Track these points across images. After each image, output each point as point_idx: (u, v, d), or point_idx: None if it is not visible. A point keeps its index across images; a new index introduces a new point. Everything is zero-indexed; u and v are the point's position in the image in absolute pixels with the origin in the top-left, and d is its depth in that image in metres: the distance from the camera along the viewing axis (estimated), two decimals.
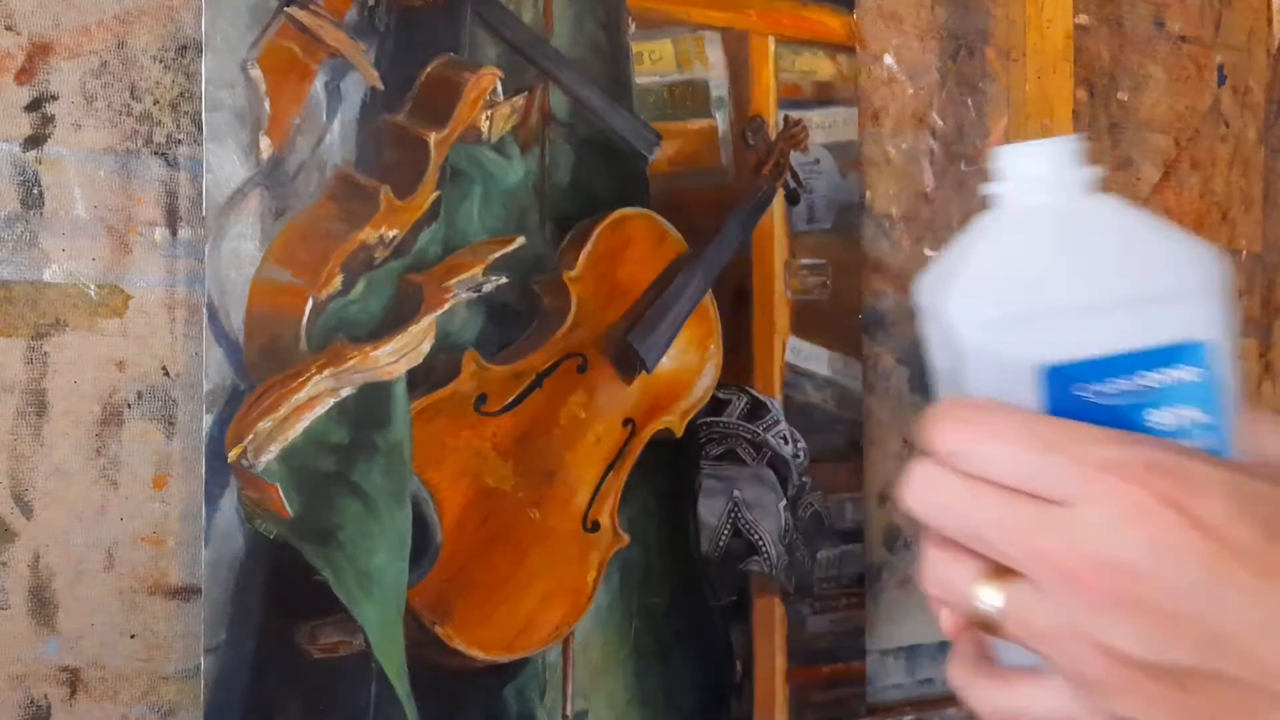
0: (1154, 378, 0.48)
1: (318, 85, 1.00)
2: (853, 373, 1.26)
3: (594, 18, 1.12)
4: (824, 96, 1.25)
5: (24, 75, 0.93)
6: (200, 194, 0.97)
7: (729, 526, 1.18)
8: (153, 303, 0.97)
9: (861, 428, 1.28)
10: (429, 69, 1.04)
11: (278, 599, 0.97)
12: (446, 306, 1.03)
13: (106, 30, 0.96)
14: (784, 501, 1.21)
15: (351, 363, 0.99)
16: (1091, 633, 0.44)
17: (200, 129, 0.97)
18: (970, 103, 1.39)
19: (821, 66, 1.25)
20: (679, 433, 1.14)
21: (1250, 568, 0.42)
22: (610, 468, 1.11)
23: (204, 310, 0.96)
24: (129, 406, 0.96)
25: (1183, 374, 0.48)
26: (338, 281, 0.99)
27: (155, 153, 0.98)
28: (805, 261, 1.23)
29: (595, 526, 1.10)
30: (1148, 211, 0.53)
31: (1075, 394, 0.48)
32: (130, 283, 0.96)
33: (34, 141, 0.94)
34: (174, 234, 0.98)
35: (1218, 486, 0.43)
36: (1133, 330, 0.48)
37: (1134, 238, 0.50)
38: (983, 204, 0.56)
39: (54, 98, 0.94)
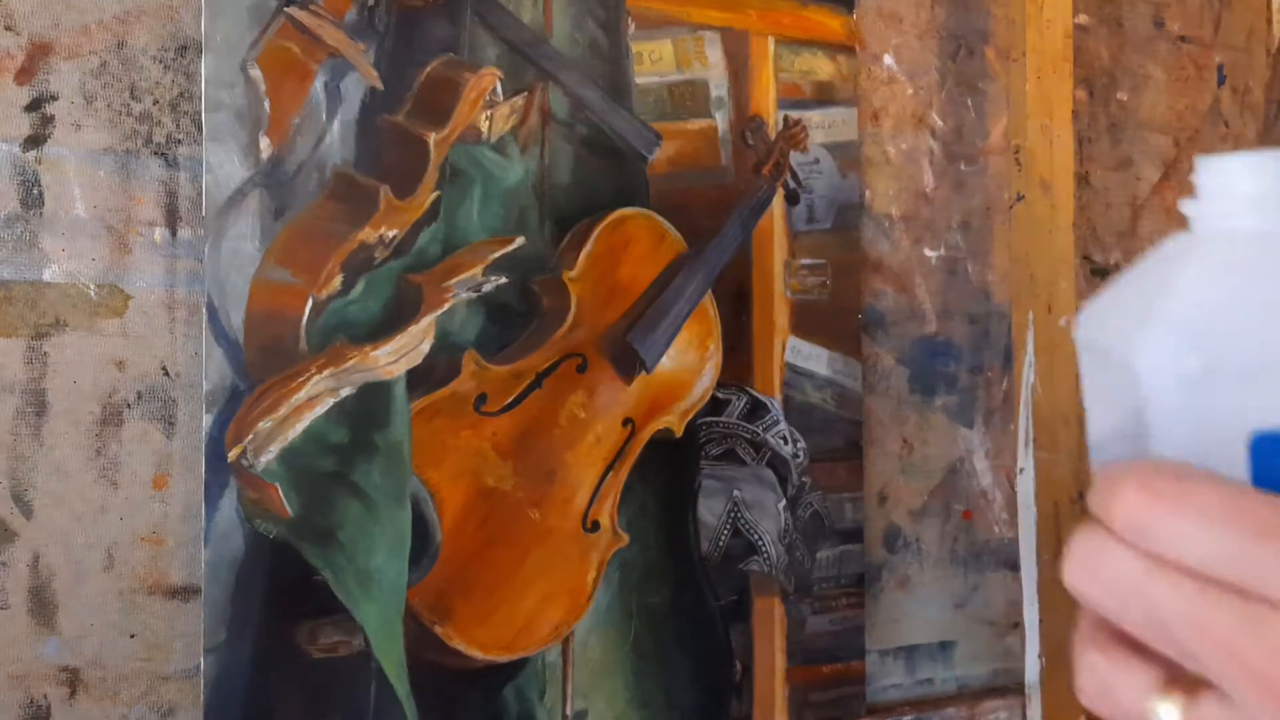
0: None
1: (317, 85, 1.00)
2: (852, 373, 1.26)
3: (594, 18, 1.12)
4: (824, 96, 1.25)
5: (24, 75, 0.93)
6: (200, 194, 0.97)
7: (729, 526, 1.18)
8: (153, 303, 0.97)
9: (861, 428, 1.28)
10: (429, 69, 1.04)
11: (278, 599, 0.97)
12: (446, 306, 1.03)
13: (106, 30, 0.96)
14: (784, 501, 1.21)
15: (351, 363, 0.99)
16: None
17: (200, 129, 0.97)
18: (970, 103, 1.39)
19: (821, 66, 1.25)
20: (679, 433, 1.14)
21: None
22: (610, 468, 1.11)
23: (204, 310, 0.96)
24: (129, 406, 0.96)
25: None
26: (338, 281, 0.99)
27: (155, 153, 0.98)
28: (805, 261, 1.23)
29: (595, 526, 1.10)
30: None
31: None
32: (130, 283, 0.96)
33: (34, 141, 0.94)
34: (174, 234, 0.98)
35: None
36: None
37: None
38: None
39: (54, 98, 0.94)
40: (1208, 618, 0.37)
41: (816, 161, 1.24)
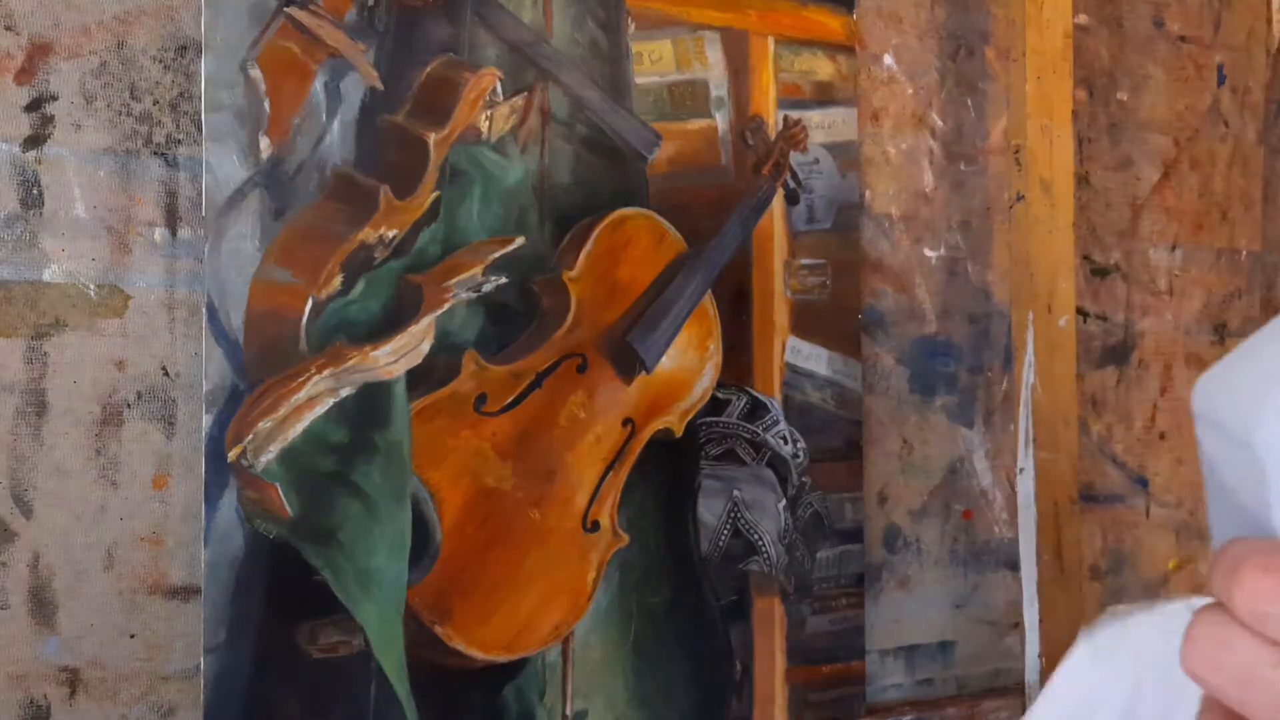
0: None
1: (317, 85, 1.00)
2: (852, 373, 1.26)
3: (594, 18, 1.12)
4: (824, 96, 1.25)
5: (24, 75, 0.93)
6: (200, 194, 0.97)
7: (729, 526, 1.18)
8: (152, 303, 0.97)
9: (861, 428, 1.28)
10: (429, 69, 1.04)
11: (278, 599, 0.97)
12: (446, 306, 1.03)
13: (106, 30, 0.96)
14: (784, 501, 1.21)
15: (351, 363, 0.99)
16: None
17: (200, 129, 0.97)
18: (970, 103, 1.39)
19: (821, 66, 1.25)
20: (678, 433, 1.14)
21: None
22: (610, 468, 1.11)
23: (204, 310, 0.96)
24: (129, 406, 0.96)
25: None
26: (337, 281, 0.99)
27: (155, 153, 0.98)
28: (805, 261, 1.23)
29: (595, 526, 1.10)
30: None
31: None
32: (130, 283, 0.96)
33: (34, 141, 0.94)
34: (174, 234, 0.98)
35: None
36: None
37: None
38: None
39: (54, 98, 0.94)
40: None
41: (816, 161, 1.24)
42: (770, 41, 1.22)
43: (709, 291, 1.16)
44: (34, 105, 0.94)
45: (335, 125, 1.00)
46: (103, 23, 0.96)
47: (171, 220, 0.98)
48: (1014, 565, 1.37)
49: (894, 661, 1.32)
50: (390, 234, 1.01)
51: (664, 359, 1.13)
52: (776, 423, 1.20)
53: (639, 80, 1.14)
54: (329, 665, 0.98)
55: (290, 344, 0.97)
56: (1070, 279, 1.35)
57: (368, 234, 1.00)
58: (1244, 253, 1.61)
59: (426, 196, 1.03)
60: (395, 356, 1.00)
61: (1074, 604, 1.34)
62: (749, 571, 1.19)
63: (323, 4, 1.00)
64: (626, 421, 1.12)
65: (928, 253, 1.35)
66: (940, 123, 1.36)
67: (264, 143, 0.97)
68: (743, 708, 1.18)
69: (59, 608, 0.94)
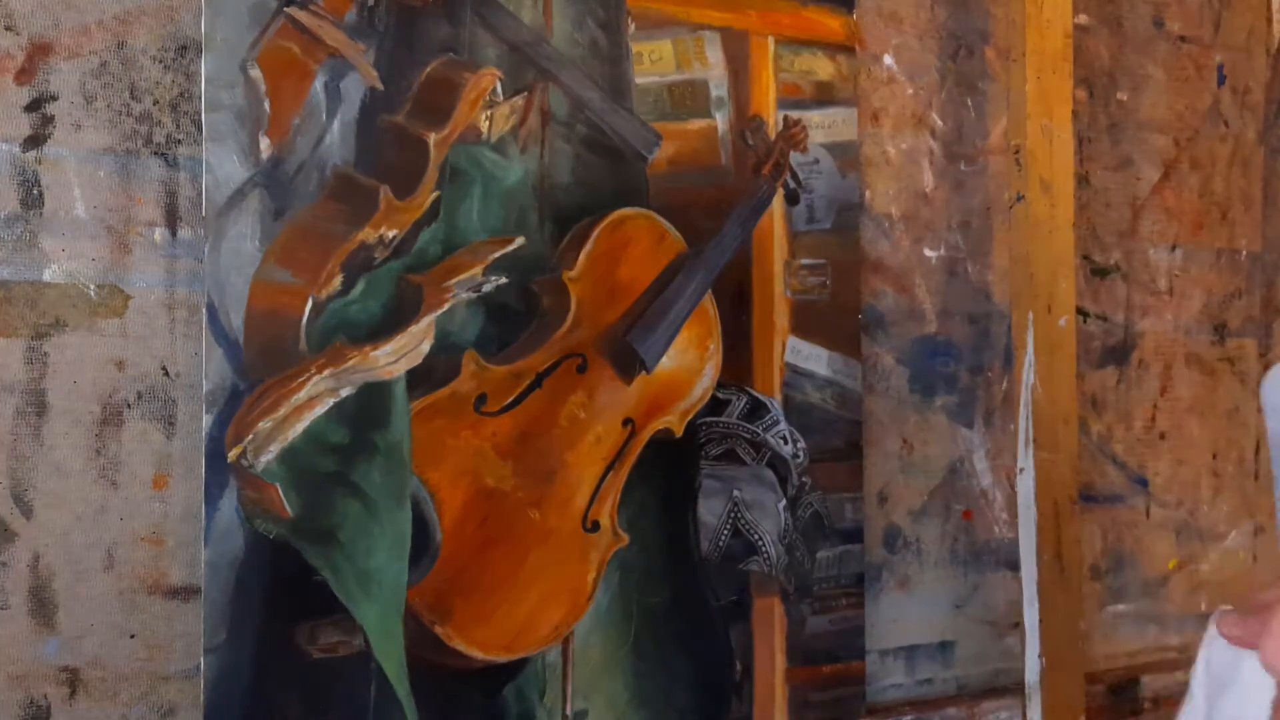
0: None
1: (317, 85, 1.00)
2: (852, 373, 1.26)
3: (594, 18, 1.12)
4: (824, 96, 1.25)
5: (24, 75, 0.93)
6: (200, 194, 0.97)
7: (729, 526, 1.18)
8: (153, 303, 0.97)
9: (861, 428, 1.28)
10: (429, 69, 1.04)
11: (277, 599, 0.97)
12: (446, 307, 1.03)
13: (106, 30, 0.96)
14: (784, 501, 1.21)
15: (351, 363, 0.99)
16: None
17: (200, 129, 0.97)
18: (970, 103, 1.39)
19: (821, 66, 1.25)
20: (679, 433, 1.14)
21: None
22: (610, 468, 1.11)
23: (204, 310, 0.96)
24: (129, 406, 0.96)
25: None
26: (338, 281, 0.99)
27: (155, 153, 0.98)
28: (805, 261, 1.23)
29: (595, 526, 1.10)
30: None
31: None
32: (130, 283, 0.96)
33: (34, 141, 0.94)
34: (174, 234, 0.98)
35: None
36: None
37: None
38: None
39: (54, 98, 0.94)
40: None
41: (816, 161, 1.24)
42: (770, 41, 1.22)
43: (709, 291, 1.16)
44: (34, 105, 0.94)
45: (335, 125, 1.00)
46: (103, 23, 0.96)
47: (171, 220, 0.98)
48: (1014, 565, 1.37)
49: (894, 661, 1.32)
50: (390, 234, 1.01)
51: (664, 359, 1.13)
52: (776, 423, 1.20)
53: (639, 80, 1.14)
54: (329, 665, 0.98)
55: (290, 344, 0.97)
56: (1070, 279, 1.35)
57: (368, 234, 1.00)
58: (1244, 253, 1.61)
59: (426, 196, 1.03)
60: (395, 356, 1.00)
61: (1074, 604, 1.34)
62: (749, 571, 1.19)
63: (323, 4, 1.00)
64: (626, 421, 1.12)
65: (928, 253, 1.35)
66: (940, 123, 1.36)
67: (264, 143, 0.97)
68: (743, 708, 1.18)
69: (59, 608, 0.94)
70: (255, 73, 0.97)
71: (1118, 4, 1.51)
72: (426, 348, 1.02)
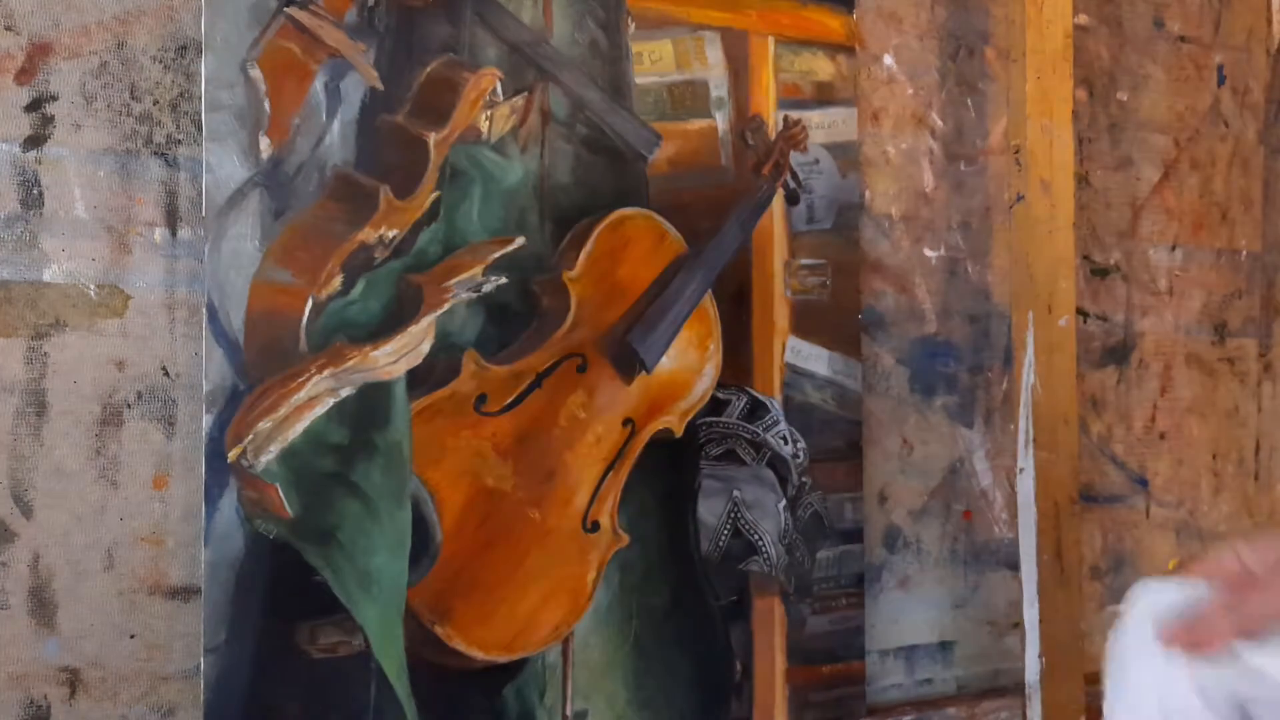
0: None
1: (317, 85, 1.00)
2: (852, 373, 1.26)
3: (594, 18, 1.12)
4: (824, 96, 1.25)
5: (24, 75, 0.93)
6: (200, 194, 0.97)
7: (729, 526, 1.18)
8: (153, 303, 0.97)
9: (861, 428, 1.28)
10: (429, 69, 1.04)
11: (277, 599, 0.97)
12: (446, 306, 1.03)
13: (106, 30, 0.96)
14: (784, 501, 1.21)
15: (351, 363, 0.99)
16: None
17: (200, 129, 0.97)
18: (970, 103, 1.39)
19: (821, 66, 1.25)
20: (679, 433, 1.14)
21: None
22: (610, 468, 1.11)
23: (204, 310, 0.96)
24: (129, 407, 0.96)
25: None
26: (338, 282, 0.99)
27: (155, 153, 0.98)
28: (805, 261, 1.23)
29: (595, 526, 1.10)
30: None
31: None
32: (130, 283, 0.96)
33: (34, 141, 0.94)
34: (174, 234, 0.98)
35: None
36: None
37: None
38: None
39: (54, 98, 0.94)
40: None
41: (816, 161, 1.24)
42: (770, 41, 1.22)
43: (709, 291, 1.16)
44: (34, 105, 0.94)
45: (335, 125, 1.00)
46: (103, 23, 0.96)
47: (171, 220, 0.98)
48: (1014, 565, 1.37)
49: (894, 661, 1.32)
50: (390, 234, 1.01)
51: (664, 359, 1.13)
52: (776, 423, 1.20)
53: (639, 80, 1.14)
54: (329, 665, 0.98)
55: (290, 344, 0.97)
56: (1070, 279, 1.35)
57: (368, 234, 1.00)
58: (1244, 253, 1.61)
59: (426, 196, 1.03)
60: (395, 356, 1.00)
61: (1074, 604, 1.34)
62: (749, 571, 1.19)
63: (323, 4, 1.00)
64: (626, 421, 1.12)
65: (928, 253, 1.35)
66: (940, 123, 1.36)
67: (264, 143, 0.97)
68: (743, 708, 1.18)
69: (59, 608, 0.94)
70: (255, 73, 0.97)
71: (1118, 4, 1.51)
72: (426, 348, 1.02)
